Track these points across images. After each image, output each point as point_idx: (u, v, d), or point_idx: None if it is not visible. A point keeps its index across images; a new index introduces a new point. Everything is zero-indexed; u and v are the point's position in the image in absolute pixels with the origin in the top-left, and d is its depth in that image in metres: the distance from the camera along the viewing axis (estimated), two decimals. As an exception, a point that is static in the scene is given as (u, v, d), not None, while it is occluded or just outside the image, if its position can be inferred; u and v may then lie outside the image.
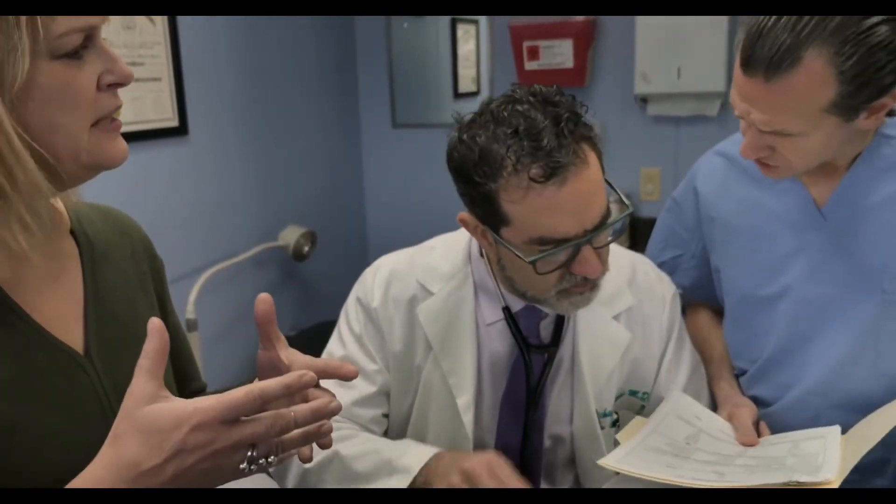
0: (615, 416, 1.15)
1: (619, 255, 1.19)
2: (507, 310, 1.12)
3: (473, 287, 1.14)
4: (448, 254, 1.17)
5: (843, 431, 1.00)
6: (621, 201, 1.06)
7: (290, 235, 2.60)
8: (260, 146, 2.57)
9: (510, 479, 0.99)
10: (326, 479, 1.10)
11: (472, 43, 2.94)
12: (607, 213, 1.00)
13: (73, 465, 0.69)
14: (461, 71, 2.99)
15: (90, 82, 0.70)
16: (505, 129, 0.95)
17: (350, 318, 1.20)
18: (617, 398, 1.15)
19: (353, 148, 3.12)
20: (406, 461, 1.06)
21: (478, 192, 0.98)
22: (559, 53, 2.61)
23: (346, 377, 0.83)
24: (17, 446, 0.70)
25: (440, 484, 1.01)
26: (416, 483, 1.04)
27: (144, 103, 2.07)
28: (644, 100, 2.59)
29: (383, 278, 1.18)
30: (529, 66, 2.66)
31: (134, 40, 2.03)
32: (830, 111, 0.93)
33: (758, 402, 1.16)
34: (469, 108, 1.05)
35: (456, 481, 1.00)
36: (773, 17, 0.91)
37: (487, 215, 1.01)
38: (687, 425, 1.07)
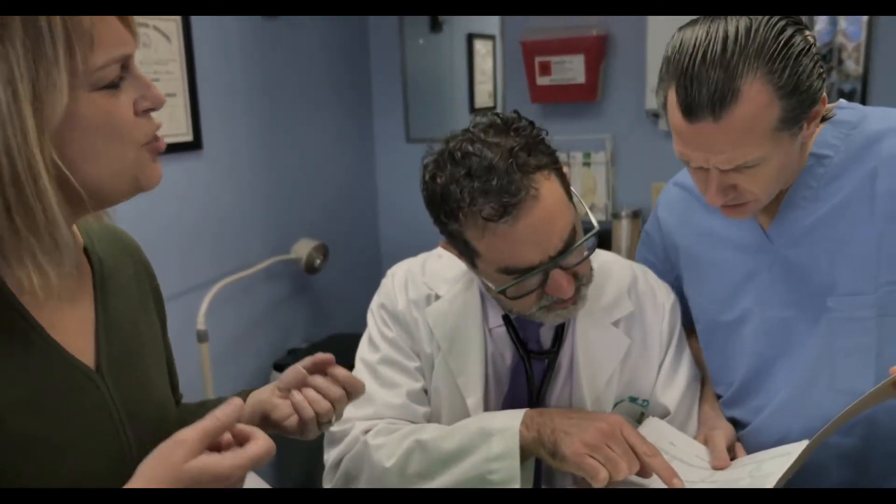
0: None
1: (620, 264, 1.23)
2: (506, 317, 1.15)
3: (479, 291, 1.17)
4: (454, 260, 1.19)
5: None
6: (599, 219, 1.10)
7: (303, 248, 2.61)
8: (273, 160, 2.59)
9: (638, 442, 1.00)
10: (409, 472, 1.08)
11: (490, 59, 2.95)
12: (572, 236, 1.01)
13: (85, 477, 0.71)
14: (478, 86, 3.01)
15: (128, 109, 0.72)
16: (459, 169, 0.98)
17: (378, 323, 1.21)
18: (616, 404, 1.16)
19: (366, 162, 3.13)
20: (500, 423, 1.05)
21: (446, 229, 1.04)
22: (570, 69, 2.62)
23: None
24: (33, 459, 0.71)
25: (569, 443, 1.00)
26: (526, 440, 1.03)
27: (160, 118, 2.09)
28: (656, 115, 2.59)
29: (401, 282, 1.21)
30: (541, 81, 2.67)
31: (149, 56, 2.05)
32: (780, 128, 0.95)
33: (735, 423, 1.18)
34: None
35: (596, 439, 0.98)
36: (698, 60, 0.92)
37: (460, 249, 1.06)
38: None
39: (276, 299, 2.66)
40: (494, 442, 1.03)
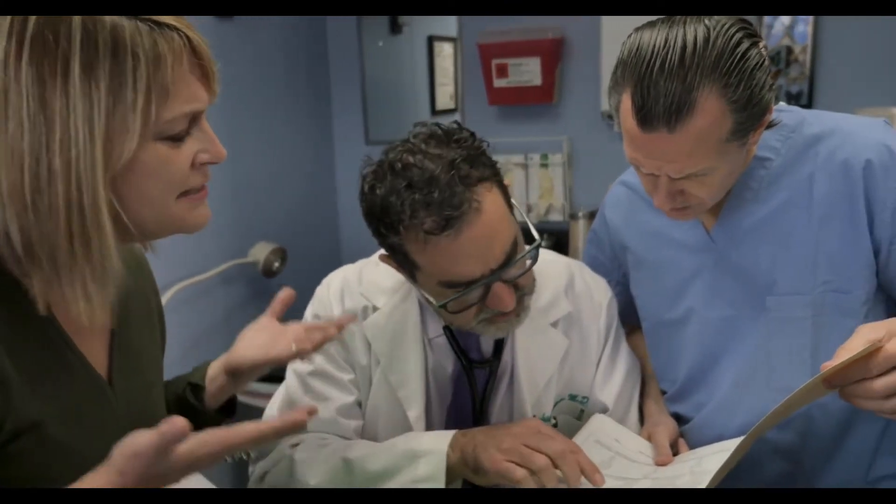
0: (554, 421, 1.16)
1: (556, 263, 1.22)
2: (447, 328, 1.13)
3: (418, 301, 1.14)
4: (391, 268, 1.17)
5: None
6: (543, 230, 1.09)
7: (260, 252, 2.58)
8: (230, 162, 2.54)
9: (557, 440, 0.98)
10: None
11: (451, 60, 2.96)
12: (514, 248, 1.00)
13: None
14: (439, 88, 3.01)
15: (186, 161, 0.76)
16: (400, 181, 0.96)
17: None
18: (556, 403, 1.17)
19: (325, 164, 3.11)
20: (427, 445, 1.04)
21: (385, 242, 1.02)
22: (527, 71, 2.64)
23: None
24: (66, 466, 0.73)
25: (487, 456, 0.98)
26: (451, 461, 1.01)
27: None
28: (611, 116, 2.62)
29: (337, 292, 1.18)
30: (498, 83, 2.69)
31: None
32: (730, 139, 0.96)
33: (679, 419, 1.20)
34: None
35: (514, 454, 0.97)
36: (656, 69, 0.92)
37: (399, 262, 1.04)
38: (604, 450, 1.09)
39: (233, 303, 2.62)
40: (421, 464, 1.02)
